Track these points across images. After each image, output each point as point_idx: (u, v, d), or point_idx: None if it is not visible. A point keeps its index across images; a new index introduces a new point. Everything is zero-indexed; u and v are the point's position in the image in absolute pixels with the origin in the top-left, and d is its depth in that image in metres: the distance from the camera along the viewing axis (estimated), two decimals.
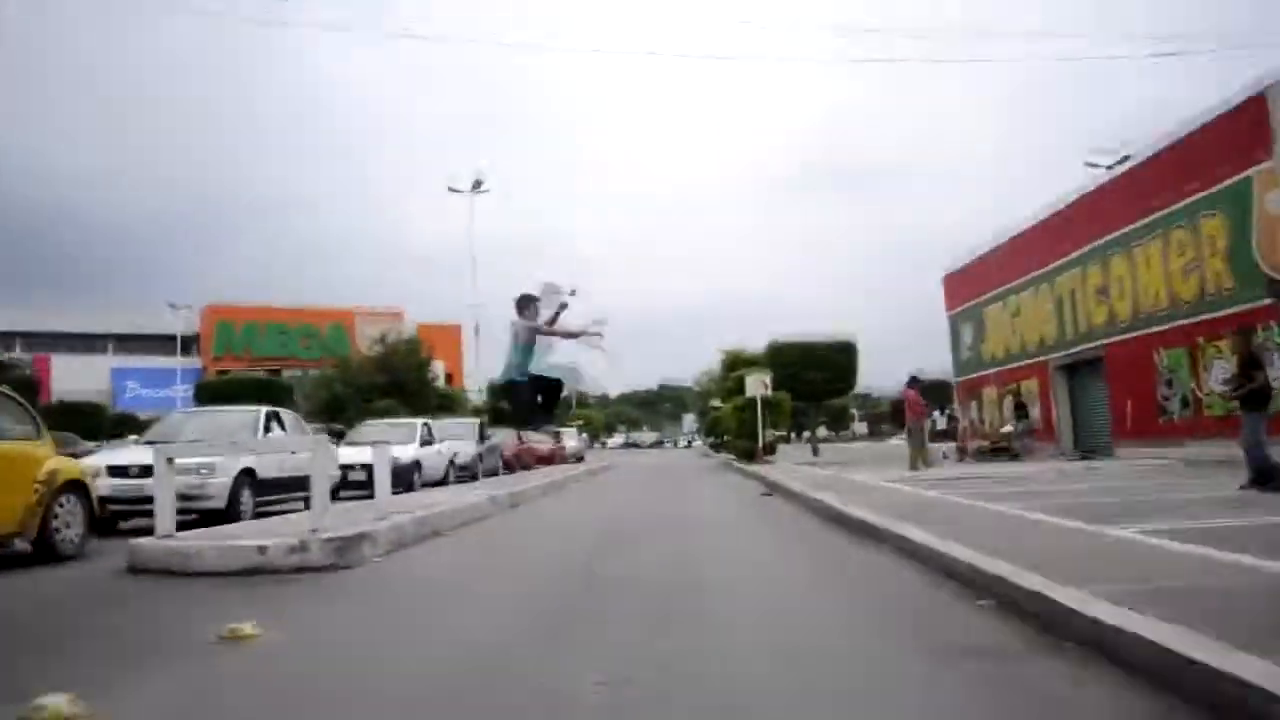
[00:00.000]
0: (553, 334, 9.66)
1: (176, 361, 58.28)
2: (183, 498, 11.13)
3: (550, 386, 9.95)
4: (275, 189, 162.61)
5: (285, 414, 14.20)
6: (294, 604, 5.99)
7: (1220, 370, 20.57)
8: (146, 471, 10.09)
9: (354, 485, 15.54)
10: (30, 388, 33.46)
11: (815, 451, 33.65)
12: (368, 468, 13.62)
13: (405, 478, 17.98)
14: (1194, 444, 20.41)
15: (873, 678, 3.82)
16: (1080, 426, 27.76)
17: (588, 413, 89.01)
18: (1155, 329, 22.91)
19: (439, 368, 51.91)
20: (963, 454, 26.25)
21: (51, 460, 8.70)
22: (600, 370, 10.56)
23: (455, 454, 21.94)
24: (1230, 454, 17.67)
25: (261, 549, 7.25)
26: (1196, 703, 3.03)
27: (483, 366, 62.09)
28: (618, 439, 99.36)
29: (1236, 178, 18.96)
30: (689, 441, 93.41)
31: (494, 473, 24.97)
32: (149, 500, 10.35)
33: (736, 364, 34.72)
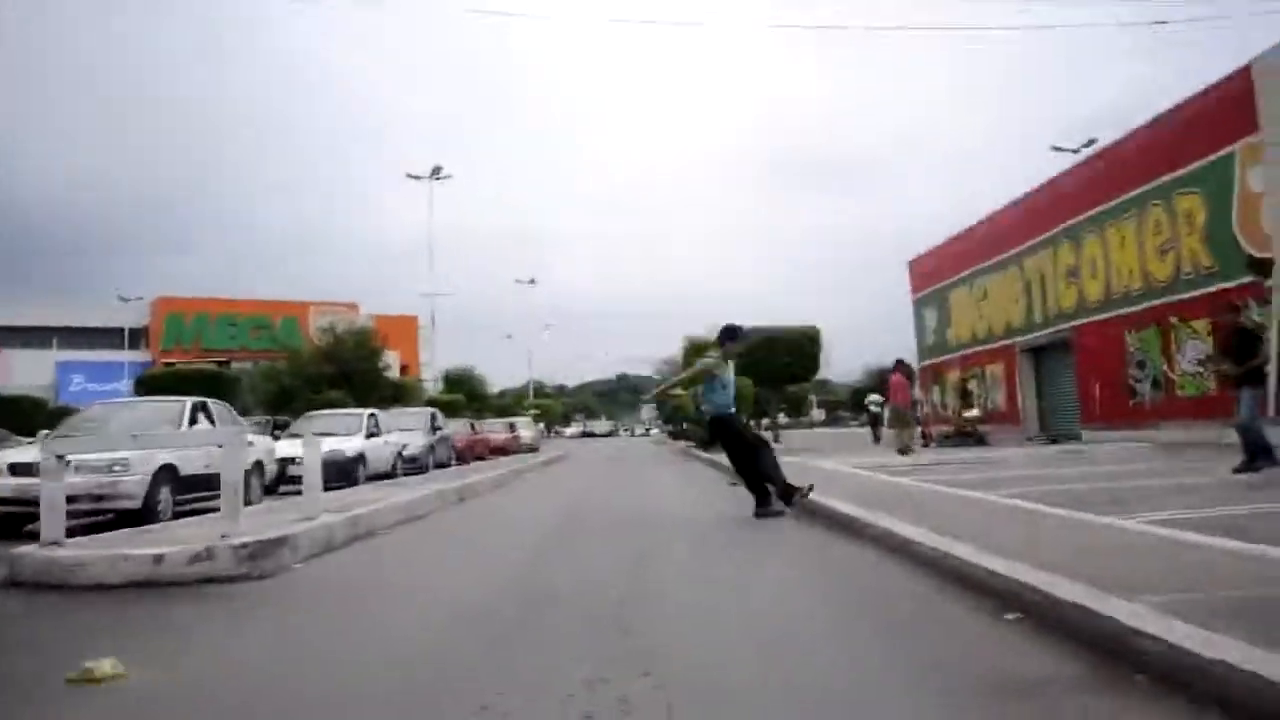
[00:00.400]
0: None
1: (124, 355, 56.67)
2: (93, 497, 10.19)
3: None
4: (237, 183, 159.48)
5: (215, 405, 13.11)
6: (183, 627, 5.03)
7: (1194, 350, 20.10)
8: None
9: (294, 480, 14.47)
10: None
11: (776, 438, 32.91)
12: None
13: (348, 471, 16.99)
14: (1168, 426, 19.89)
15: None
16: (1047, 411, 27.27)
17: (545, 403, 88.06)
18: (1127, 310, 22.41)
19: (393, 358, 50.76)
20: (927, 440, 25.59)
21: None
22: None
23: (404, 446, 20.88)
24: (1204, 436, 17.23)
25: (158, 558, 6.27)
26: None
27: (438, 358, 61.68)
28: (575, 428, 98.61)
29: (1218, 154, 18.46)
30: (646, 429, 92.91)
31: (445, 465, 23.95)
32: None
33: (699, 351, 33.84)
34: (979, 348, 31.62)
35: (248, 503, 12.78)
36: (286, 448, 15.37)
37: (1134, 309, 22.09)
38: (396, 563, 7.54)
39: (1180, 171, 20.05)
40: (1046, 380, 27.41)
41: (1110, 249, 23.10)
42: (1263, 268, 16.17)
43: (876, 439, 31.63)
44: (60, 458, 7.06)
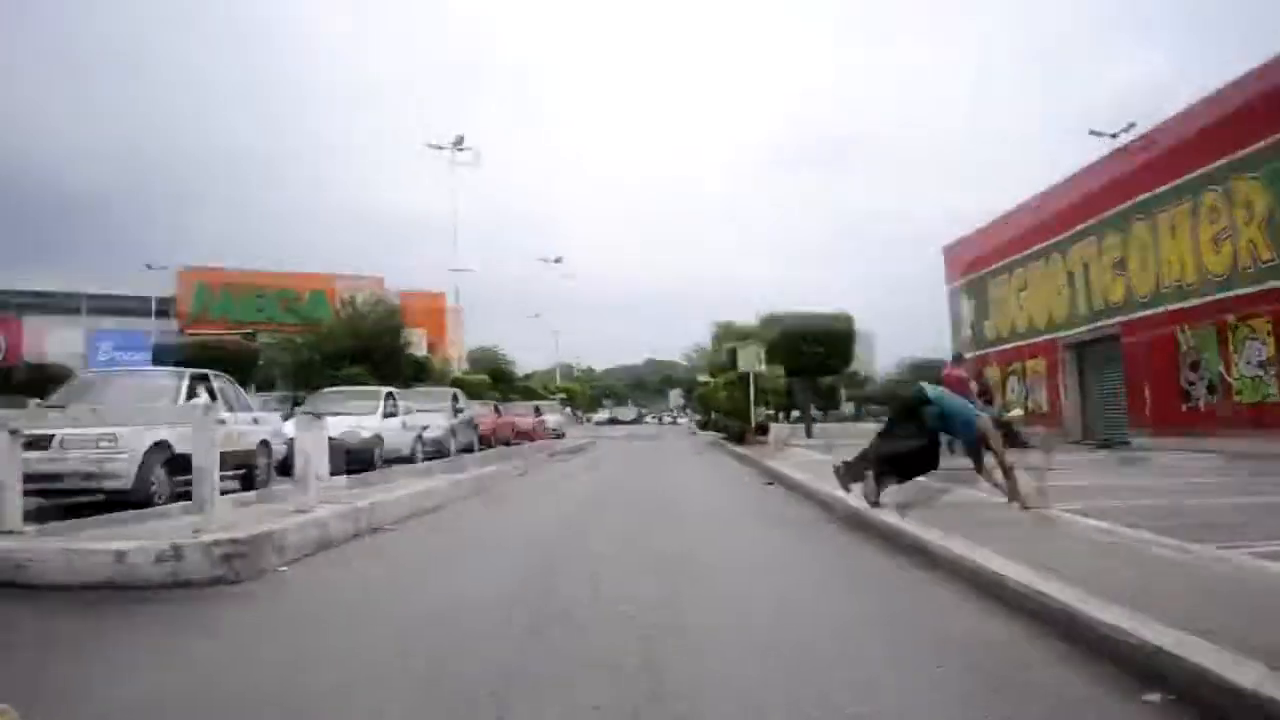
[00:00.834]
0: None
1: (152, 324, 56.47)
2: (82, 476, 9.48)
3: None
4: (255, 153, 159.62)
5: (218, 379, 12.36)
6: (126, 647, 4.24)
7: (1255, 351, 18.99)
8: (33, 444, 8.36)
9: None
10: None
11: (809, 433, 31.98)
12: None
13: (363, 455, 16.21)
14: (1226, 435, 18.75)
15: None
16: (1090, 413, 26.09)
17: (572, 386, 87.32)
18: (1179, 305, 21.28)
19: (419, 336, 50.07)
20: None
21: None
22: None
23: (425, 428, 20.06)
24: (1268, 449, 16.10)
25: (119, 556, 5.49)
26: None
27: (466, 337, 61.04)
28: (602, 414, 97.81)
29: None
30: (674, 418, 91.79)
31: (469, 449, 23.14)
32: (38, 478, 8.67)
33: (728, 337, 32.96)
34: (1019, 342, 30.48)
35: (252, 486, 12.15)
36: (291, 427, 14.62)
37: (1187, 304, 20.96)
38: (397, 568, 6.66)
39: (1239, 154, 18.87)
40: (1090, 380, 26.22)
41: (1161, 238, 21.95)
42: None
43: None
44: (14, 433, 6.29)
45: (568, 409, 64.51)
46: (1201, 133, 20.20)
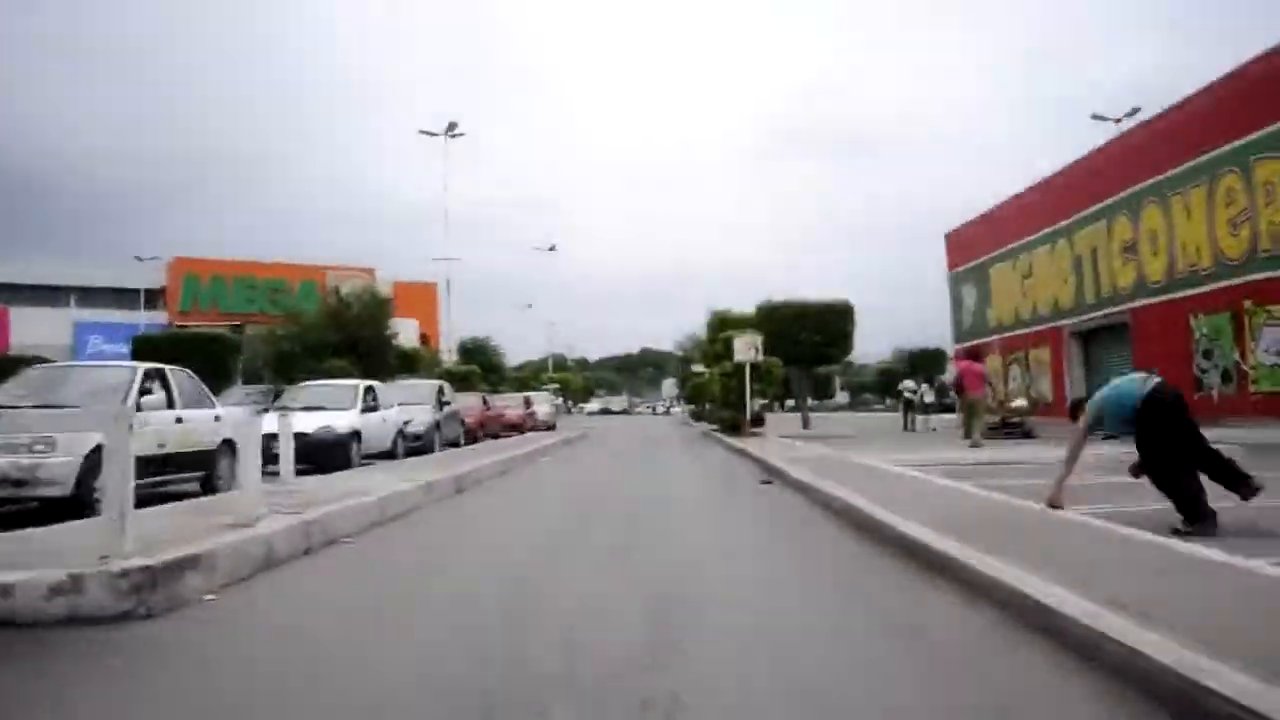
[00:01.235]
0: None
1: (141, 315, 55.61)
2: (12, 482, 8.64)
3: None
4: (249, 146, 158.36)
5: (176, 373, 11.48)
6: None
7: (1273, 338, 18.23)
8: None
9: (275, 459, 12.88)
10: None
11: (806, 424, 31.16)
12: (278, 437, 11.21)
13: (339, 452, 15.42)
14: (1239, 425, 17.96)
15: None
16: None
17: (565, 376, 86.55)
18: (1193, 291, 20.49)
19: (411, 327, 49.16)
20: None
21: None
22: None
23: (406, 422, 19.24)
24: None
25: (6, 590, 4.64)
26: None
27: (457, 328, 60.17)
28: (595, 404, 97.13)
29: None
30: (667, 408, 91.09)
31: (455, 443, 22.32)
32: None
33: (724, 325, 32.13)
34: (1022, 330, 29.71)
35: (214, 490, 11.27)
36: (267, 423, 13.75)
37: (1202, 290, 20.19)
38: (352, 591, 5.79)
39: (1259, 133, 18.07)
40: (1097, 368, 25.42)
41: (1174, 222, 21.13)
42: None
43: (908, 427, 29.84)
44: None
45: (559, 399, 63.75)
46: (1220, 111, 19.39)
